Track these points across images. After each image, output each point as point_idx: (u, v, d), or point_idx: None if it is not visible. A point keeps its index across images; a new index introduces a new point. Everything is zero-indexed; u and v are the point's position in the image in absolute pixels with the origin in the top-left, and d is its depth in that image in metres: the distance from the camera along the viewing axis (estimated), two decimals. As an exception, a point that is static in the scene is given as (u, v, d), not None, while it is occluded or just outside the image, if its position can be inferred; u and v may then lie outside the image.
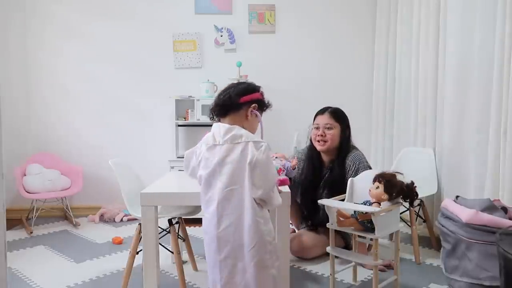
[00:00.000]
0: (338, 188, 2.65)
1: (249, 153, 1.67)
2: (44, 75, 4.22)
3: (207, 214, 1.73)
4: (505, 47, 2.33)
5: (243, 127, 1.76)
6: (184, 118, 4.06)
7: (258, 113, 1.83)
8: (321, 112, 2.99)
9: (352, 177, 2.57)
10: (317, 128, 2.95)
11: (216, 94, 1.89)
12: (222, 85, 1.90)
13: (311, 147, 3.03)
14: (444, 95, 3.05)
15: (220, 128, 1.74)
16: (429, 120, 3.27)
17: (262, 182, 1.69)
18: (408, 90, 3.58)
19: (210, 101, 3.81)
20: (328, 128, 2.91)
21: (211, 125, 1.82)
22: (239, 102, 1.78)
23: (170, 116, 4.06)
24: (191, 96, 4.02)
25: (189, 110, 3.99)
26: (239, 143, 1.69)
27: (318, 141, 2.93)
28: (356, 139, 3.05)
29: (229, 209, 1.68)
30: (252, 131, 1.81)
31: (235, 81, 1.96)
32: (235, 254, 1.68)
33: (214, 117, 1.83)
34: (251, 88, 1.85)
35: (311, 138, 3.03)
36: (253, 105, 1.81)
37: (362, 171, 2.67)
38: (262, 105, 1.86)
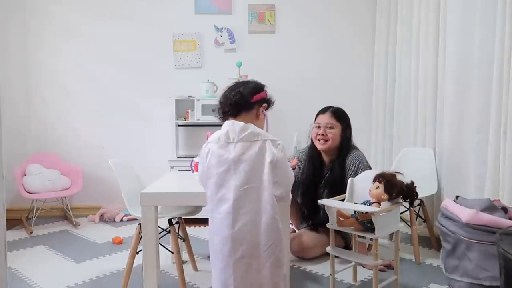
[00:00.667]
0: (338, 188, 2.65)
1: (268, 152, 1.67)
2: (44, 75, 4.22)
3: (218, 214, 1.69)
4: (505, 47, 2.33)
5: None
6: (184, 118, 4.06)
7: (266, 113, 1.84)
8: (323, 111, 2.99)
9: (352, 177, 2.57)
10: (318, 127, 2.94)
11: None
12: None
13: (312, 147, 3.03)
14: (444, 95, 3.05)
15: (235, 125, 1.73)
16: (429, 120, 3.27)
17: (283, 179, 1.71)
18: (408, 90, 3.58)
19: (210, 101, 3.88)
20: (329, 127, 2.91)
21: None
22: (251, 101, 1.79)
23: (170, 116, 4.06)
24: (191, 96, 4.02)
25: (189, 110, 3.99)
26: (256, 141, 1.69)
27: (319, 140, 2.93)
28: (356, 139, 3.04)
29: (245, 208, 1.65)
30: (261, 129, 1.81)
31: (235, 81, 1.94)
32: (250, 253, 1.65)
33: (224, 116, 1.82)
34: (259, 87, 1.85)
35: (311, 137, 3.03)
36: (264, 104, 1.83)
37: (362, 171, 2.67)
38: (269, 104, 1.87)
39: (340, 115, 2.96)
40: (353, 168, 2.82)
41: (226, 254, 1.67)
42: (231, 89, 1.84)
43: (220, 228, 1.68)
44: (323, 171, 3.00)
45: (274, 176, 1.67)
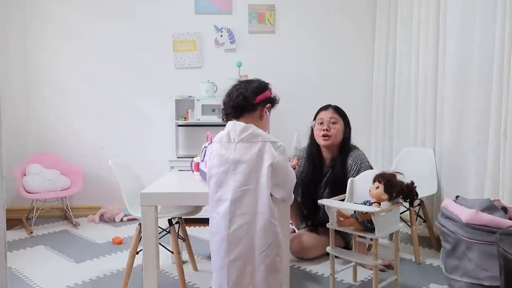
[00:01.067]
0: (339, 186, 2.63)
1: (268, 154, 1.65)
2: (44, 75, 4.22)
3: (216, 214, 1.69)
4: (505, 47, 2.33)
5: (258, 127, 1.74)
6: (184, 118, 4.06)
7: (268, 113, 1.82)
8: (325, 108, 3.00)
9: (353, 176, 2.57)
10: (321, 123, 2.93)
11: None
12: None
13: (312, 145, 3.01)
14: (444, 95, 3.05)
15: (236, 126, 1.72)
16: (429, 120, 3.27)
17: (285, 182, 1.70)
18: (408, 90, 3.58)
19: (210, 101, 3.88)
20: (333, 122, 2.91)
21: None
22: (254, 102, 1.75)
23: (170, 116, 4.06)
24: (191, 96, 4.02)
25: (189, 110, 3.99)
26: (256, 142, 1.67)
27: (323, 135, 2.91)
28: (356, 139, 3.04)
29: (242, 209, 1.65)
30: (265, 129, 1.80)
31: (239, 80, 1.90)
32: (245, 256, 1.65)
33: (227, 118, 1.79)
34: (263, 86, 1.81)
35: (311, 135, 3.01)
36: (268, 105, 1.79)
37: (363, 171, 2.67)
38: (273, 103, 1.84)
39: (341, 112, 2.98)
40: (355, 168, 2.82)
41: (222, 255, 1.67)
42: (234, 88, 1.80)
43: (218, 228, 1.68)
44: (323, 170, 2.99)
45: (275, 179, 1.66)
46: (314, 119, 3.01)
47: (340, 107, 3.03)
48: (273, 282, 1.67)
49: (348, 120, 2.99)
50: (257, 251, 1.64)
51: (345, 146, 2.93)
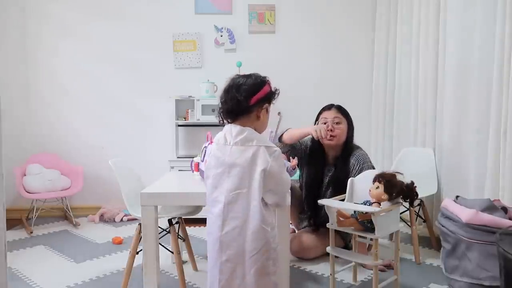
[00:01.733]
0: (342, 186, 2.61)
1: (262, 159, 1.63)
2: (43, 75, 4.22)
3: (212, 215, 1.71)
4: (505, 47, 2.33)
5: (255, 128, 1.72)
6: (184, 118, 4.06)
7: (267, 111, 1.77)
8: (328, 107, 2.99)
9: (355, 176, 2.57)
10: (325, 123, 2.92)
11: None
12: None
13: (315, 144, 2.99)
14: (444, 95, 3.05)
15: (232, 128, 1.71)
16: (429, 120, 3.27)
17: (278, 188, 1.68)
18: (408, 90, 3.58)
19: (210, 101, 3.88)
20: (337, 122, 2.90)
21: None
22: (249, 105, 1.69)
23: (170, 116, 4.06)
24: (191, 96, 4.02)
25: (189, 110, 3.99)
26: (250, 146, 1.66)
27: (327, 135, 2.90)
28: (356, 139, 3.04)
29: (234, 212, 1.65)
30: (263, 128, 1.77)
31: (237, 75, 1.82)
32: (236, 258, 1.66)
33: (223, 121, 1.76)
34: (259, 83, 1.73)
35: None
36: (265, 105, 1.74)
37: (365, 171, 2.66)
38: (271, 99, 1.77)
39: (344, 111, 2.97)
40: (357, 168, 2.81)
41: (215, 255, 1.69)
42: (229, 90, 1.73)
43: (212, 229, 1.70)
44: (326, 169, 2.98)
45: (268, 185, 1.65)
46: (317, 119, 3.00)
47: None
48: (264, 285, 1.67)
49: (351, 119, 2.98)
50: (248, 254, 1.65)
51: (348, 146, 2.93)
